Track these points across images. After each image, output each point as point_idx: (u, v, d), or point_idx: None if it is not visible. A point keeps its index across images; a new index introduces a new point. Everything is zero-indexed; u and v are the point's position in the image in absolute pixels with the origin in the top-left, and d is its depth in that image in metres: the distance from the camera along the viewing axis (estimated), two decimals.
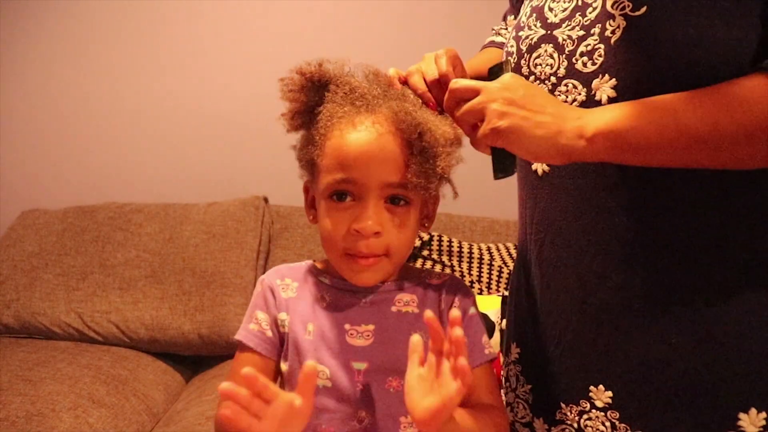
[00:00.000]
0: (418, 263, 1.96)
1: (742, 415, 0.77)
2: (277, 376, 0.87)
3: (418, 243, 1.97)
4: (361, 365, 0.83)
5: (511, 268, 1.98)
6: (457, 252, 2.00)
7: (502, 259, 2.00)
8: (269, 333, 0.86)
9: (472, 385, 0.83)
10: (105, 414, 1.55)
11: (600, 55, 0.78)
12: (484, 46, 1.13)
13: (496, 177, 0.85)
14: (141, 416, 1.64)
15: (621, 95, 0.77)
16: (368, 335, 0.84)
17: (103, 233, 2.07)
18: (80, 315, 1.96)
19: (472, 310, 0.88)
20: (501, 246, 2.04)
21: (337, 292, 0.87)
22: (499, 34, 1.12)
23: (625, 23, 0.76)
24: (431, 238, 1.99)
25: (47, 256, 2.04)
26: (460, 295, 0.88)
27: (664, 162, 0.73)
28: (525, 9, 0.92)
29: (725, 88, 0.70)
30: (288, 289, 0.88)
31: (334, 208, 0.82)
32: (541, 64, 0.85)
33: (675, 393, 0.79)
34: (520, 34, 0.89)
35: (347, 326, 0.84)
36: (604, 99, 0.78)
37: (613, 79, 0.77)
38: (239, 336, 0.87)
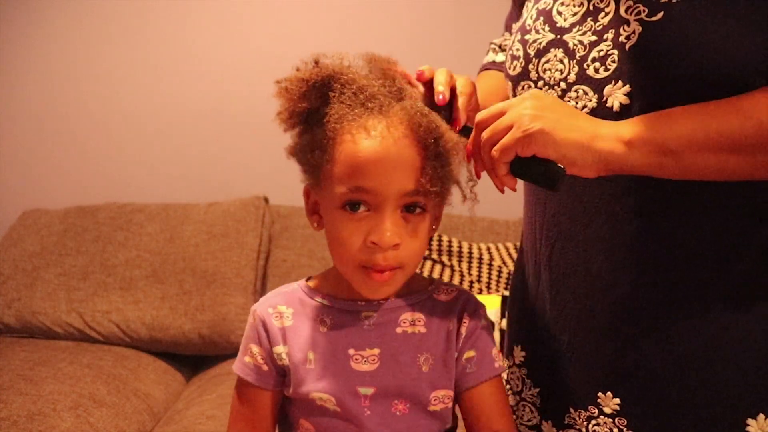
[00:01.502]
0: None
1: (750, 421, 0.76)
2: (279, 402, 0.85)
3: None
4: (367, 390, 0.80)
5: (511, 268, 1.98)
6: (457, 252, 2.01)
7: (502, 259, 2.01)
8: (265, 367, 0.83)
9: (481, 402, 0.83)
10: (106, 413, 1.56)
11: (613, 61, 0.77)
12: (484, 67, 1.09)
13: (554, 188, 0.74)
14: (142, 416, 1.65)
15: (634, 102, 0.75)
16: (374, 359, 0.81)
17: (103, 233, 2.08)
18: (81, 315, 1.96)
19: (482, 323, 0.85)
20: (501, 246, 2.04)
21: (337, 313, 0.83)
22: (501, 49, 1.07)
23: (641, 29, 0.75)
24: (431, 238, 1.99)
25: (48, 256, 2.05)
26: (469, 312, 0.84)
27: (703, 170, 0.72)
28: (530, 12, 0.90)
29: (739, 103, 0.70)
30: (282, 318, 0.83)
31: (347, 218, 0.76)
32: (550, 69, 0.83)
33: (683, 400, 0.79)
34: (527, 37, 0.87)
35: (351, 351, 0.81)
36: (616, 105, 0.76)
37: (627, 86, 0.76)
38: (236, 369, 0.85)
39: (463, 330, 0.83)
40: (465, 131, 0.79)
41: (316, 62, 0.78)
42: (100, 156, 2.32)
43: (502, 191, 0.78)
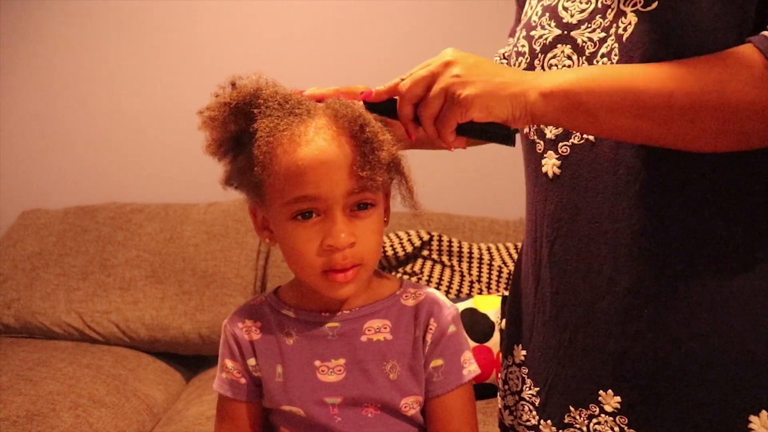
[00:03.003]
0: (418, 263, 1.96)
1: (753, 418, 0.76)
2: (260, 415, 0.86)
3: (418, 243, 1.97)
4: (335, 400, 0.81)
5: (512, 268, 1.98)
6: (457, 252, 2.01)
7: (502, 259, 2.00)
8: (242, 380, 0.84)
9: (447, 411, 0.83)
10: (105, 414, 1.55)
11: (615, 54, 0.77)
12: None
13: (512, 144, 0.78)
14: (141, 416, 1.64)
15: None
16: (339, 370, 0.81)
17: (103, 233, 2.08)
18: (81, 315, 1.96)
19: (451, 329, 0.83)
20: (501, 246, 2.04)
21: (302, 324, 0.83)
22: (505, 59, 1.05)
23: (636, 19, 0.75)
24: (431, 238, 1.99)
25: (48, 256, 2.05)
26: (436, 317, 0.83)
27: (614, 131, 0.72)
28: (534, 8, 0.90)
29: (698, 60, 0.69)
30: (251, 331, 0.84)
31: (300, 228, 0.76)
32: (557, 65, 0.83)
33: (684, 397, 0.78)
34: (532, 33, 0.87)
35: (317, 363, 0.81)
36: None
37: None
38: (215, 386, 0.86)
39: (429, 337, 0.82)
40: (389, 103, 0.79)
41: (233, 84, 0.79)
42: (100, 156, 2.32)
43: (452, 150, 0.78)
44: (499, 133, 0.76)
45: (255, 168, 0.76)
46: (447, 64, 0.73)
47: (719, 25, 0.71)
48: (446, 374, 0.82)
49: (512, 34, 1.05)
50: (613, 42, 0.77)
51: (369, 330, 0.82)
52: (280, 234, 0.80)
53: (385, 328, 0.82)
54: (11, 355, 1.78)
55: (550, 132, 0.85)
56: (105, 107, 2.30)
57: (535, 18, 0.88)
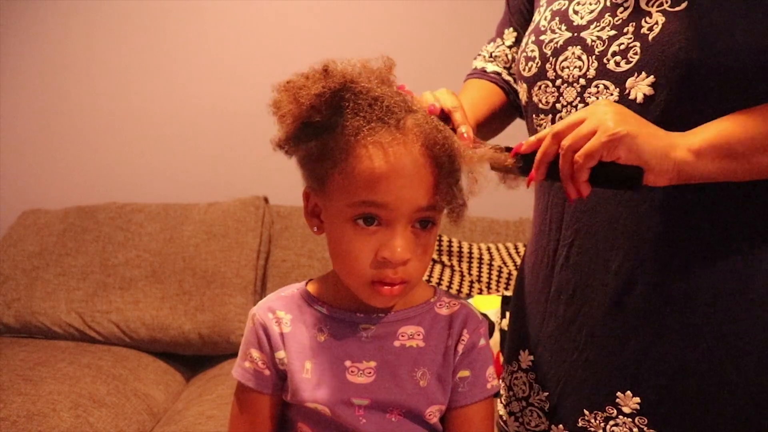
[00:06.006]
0: None
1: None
2: (279, 407, 0.85)
3: None
4: (362, 401, 0.80)
5: (512, 268, 1.98)
6: (457, 252, 2.01)
7: (502, 259, 2.01)
8: (267, 372, 0.82)
9: (468, 423, 0.83)
10: (105, 413, 1.55)
11: (636, 53, 0.78)
12: (471, 75, 1.08)
13: (638, 188, 0.74)
14: (141, 416, 1.64)
15: (658, 93, 0.77)
16: (370, 372, 0.80)
17: (103, 233, 2.08)
18: (81, 315, 1.96)
19: (481, 342, 0.84)
20: (501, 246, 2.04)
21: (335, 323, 0.82)
22: (492, 58, 1.07)
23: (663, 19, 0.76)
24: None
25: (48, 256, 2.05)
26: (469, 329, 0.83)
27: (763, 169, 0.74)
28: (544, 14, 0.90)
29: None
30: (282, 324, 0.82)
31: (358, 232, 0.74)
32: (568, 67, 0.84)
33: (704, 398, 0.78)
34: (542, 38, 0.88)
35: (348, 363, 0.80)
36: (640, 97, 0.78)
37: (651, 76, 0.77)
38: (235, 374, 0.84)
39: (460, 348, 0.82)
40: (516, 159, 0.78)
41: (326, 70, 0.74)
42: (100, 156, 2.32)
43: (573, 200, 0.76)
44: (630, 174, 0.73)
45: (327, 160, 0.74)
46: (599, 106, 0.73)
47: (757, 30, 0.73)
48: (472, 386, 0.82)
49: (500, 34, 1.06)
50: (630, 40, 0.79)
51: (403, 335, 0.82)
52: (335, 232, 0.78)
53: (419, 334, 0.82)
54: (11, 355, 1.78)
55: None
56: (105, 107, 2.30)
57: (544, 23, 0.89)
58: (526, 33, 0.94)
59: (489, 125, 1.00)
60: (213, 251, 2.03)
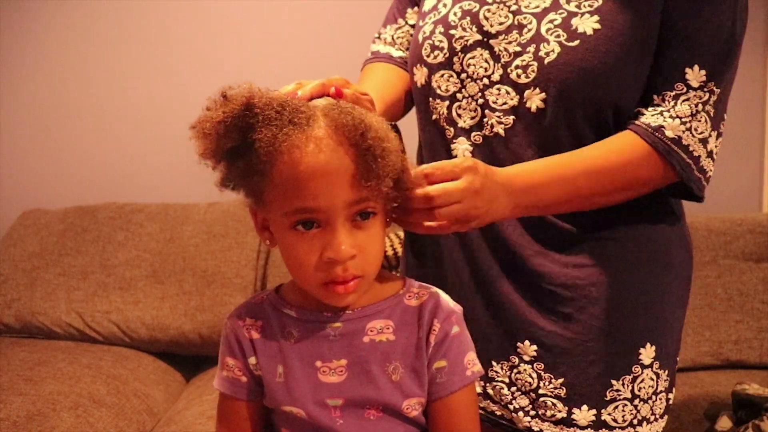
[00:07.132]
0: None
1: (642, 350, 0.94)
2: (261, 414, 0.86)
3: None
4: (336, 402, 0.80)
5: None
6: None
7: None
8: (243, 378, 0.83)
9: (450, 413, 0.82)
10: (106, 413, 1.55)
11: (533, 71, 0.91)
12: (372, 59, 1.13)
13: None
14: (141, 416, 1.64)
15: (548, 107, 0.91)
16: (341, 371, 0.80)
17: (103, 233, 2.08)
18: (81, 315, 1.96)
19: (454, 330, 0.82)
20: None
21: (304, 324, 0.82)
22: (394, 42, 1.12)
23: (560, 49, 0.90)
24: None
25: (48, 256, 2.05)
26: (440, 318, 0.82)
27: (571, 209, 0.94)
28: (450, 8, 0.98)
29: (609, 156, 0.90)
30: (252, 330, 0.83)
31: (299, 239, 0.75)
32: (474, 65, 0.96)
33: (582, 346, 0.95)
34: (452, 32, 0.97)
35: (319, 363, 0.81)
36: (534, 108, 0.92)
37: (543, 93, 0.91)
38: (216, 384, 0.85)
39: (432, 338, 0.81)
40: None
41: (224, 96, 0.75)
42: (100, 156, 2.32)
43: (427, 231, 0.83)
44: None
45: (255, 176, 0.74)
46: (475, 191, 0.80)
47: (625, 69, 0.90)
48: (450, 376, 0.82)
49: (402, 15, 1.13)
50: (530, 59, 0.92)
51: (371, 330, 0.81)
52: (281, 241, 0.79)
53: (388, 328, 0.82)
54: (11, 355, 1.78)
55: (464, 122, 0.97)
56: (105, 107, 2.30)
57: (454, 18, 0.98)
58: (427, 18, 1.01)
59: (398, 106, 1.08)
60: (213, 251, 2.03)
